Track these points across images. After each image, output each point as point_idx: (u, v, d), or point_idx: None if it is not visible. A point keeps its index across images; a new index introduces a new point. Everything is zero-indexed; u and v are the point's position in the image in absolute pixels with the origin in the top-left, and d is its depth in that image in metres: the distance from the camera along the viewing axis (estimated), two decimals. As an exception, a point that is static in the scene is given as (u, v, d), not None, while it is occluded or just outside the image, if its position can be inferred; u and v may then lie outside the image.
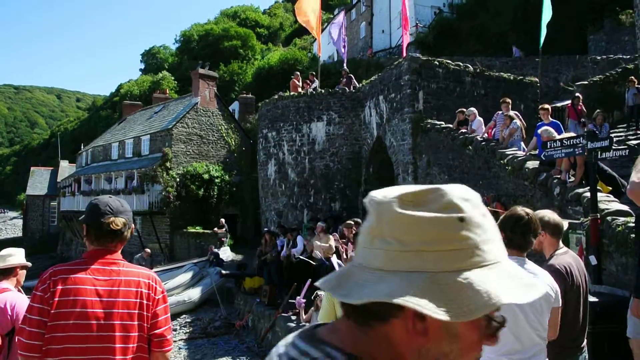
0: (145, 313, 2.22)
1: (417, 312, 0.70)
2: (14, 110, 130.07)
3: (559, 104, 15.07)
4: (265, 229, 14.84)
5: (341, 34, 19.08)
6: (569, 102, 15.54)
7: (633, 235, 5.27)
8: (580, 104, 12.04)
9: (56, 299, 2.05)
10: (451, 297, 0.70)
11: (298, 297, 10.32)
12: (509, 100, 10.12)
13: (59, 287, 2.07)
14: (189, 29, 62.14)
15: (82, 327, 2.06)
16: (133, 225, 2.34)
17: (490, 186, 9.18)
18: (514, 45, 24.88)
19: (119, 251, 2.29)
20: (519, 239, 2.74)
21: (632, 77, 13.30)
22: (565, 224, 3.50)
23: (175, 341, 12.45)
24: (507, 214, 2.88)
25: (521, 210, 2.81)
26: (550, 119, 8.70)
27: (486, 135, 10.21)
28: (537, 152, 8.15)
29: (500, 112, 10.18)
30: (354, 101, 15.65)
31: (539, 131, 7.87)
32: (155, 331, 2.26)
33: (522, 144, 9.22)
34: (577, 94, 12.55)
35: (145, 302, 2.21)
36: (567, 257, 3.37)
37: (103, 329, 2.09)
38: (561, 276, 3.13)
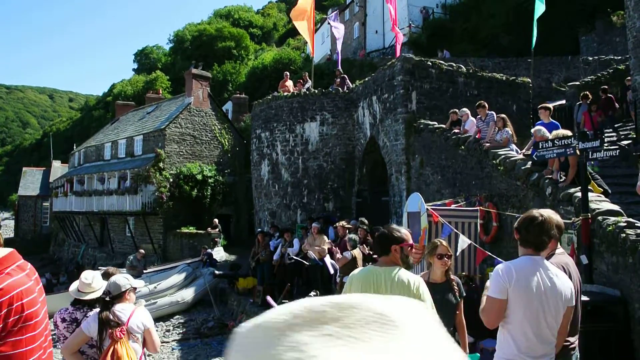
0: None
1: None
2: (6, 110, 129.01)
3: (550, 105, 15.11)
4: (259, 230, 14.82)
5: (341, 38, 19.41)
6: (562, 101, 15.58)
7: (623, 235, 5.32)
8: (599, 111, 10.96)
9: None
10: None
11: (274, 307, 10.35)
12: (485, 104, 10.25)
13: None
14: (182, 29, 61.98)
15: (29, 328, 1.99)
16: None
17: (483, 186, 9.22)
18: (445, 48, 25.38)
19: None
20: (534, 238, 2.90)
21: (587, 93, 12.03)
22: None
23: (168, 342, 12.41)
24: (523, 216, 3.04)
25: (536, 212, 2.97)
26: (550, 119, 8.74)
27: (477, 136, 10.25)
28: (530, 152, 8.20)
29: (479, 116, 10.24)
30: (348, 101, 15.66)
31: (532, 130, 7.92)
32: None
33: (514, 145, 9.27)
34: (591, 98, 11.11)
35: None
36: (564, 257, 3.46)
37: (39, 326, 2.05)
38: None
